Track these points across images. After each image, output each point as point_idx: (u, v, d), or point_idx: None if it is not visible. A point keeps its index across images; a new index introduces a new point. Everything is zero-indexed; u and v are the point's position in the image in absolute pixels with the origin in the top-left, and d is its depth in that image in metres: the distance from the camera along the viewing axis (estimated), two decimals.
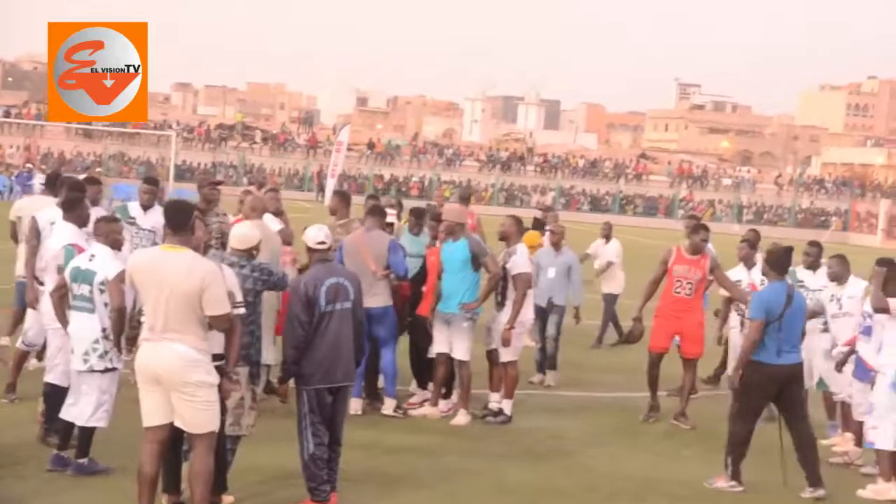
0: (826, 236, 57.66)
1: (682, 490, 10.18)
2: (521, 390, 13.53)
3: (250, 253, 8.88)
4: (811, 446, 10.34)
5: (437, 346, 12.11)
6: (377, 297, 11.67)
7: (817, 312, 11.94)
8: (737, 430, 10.34)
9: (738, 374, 10.34)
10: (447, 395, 12.42)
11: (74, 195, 10.48)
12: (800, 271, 12.80)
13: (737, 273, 13.78)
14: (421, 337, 12.53)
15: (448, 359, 12.06)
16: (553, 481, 10.26)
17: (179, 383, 7.58)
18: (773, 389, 10.31)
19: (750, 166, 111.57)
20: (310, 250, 9.08)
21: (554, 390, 14.41)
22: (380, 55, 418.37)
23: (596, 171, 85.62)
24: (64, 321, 9.25)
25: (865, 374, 11.06)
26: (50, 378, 9.78)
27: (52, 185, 12.32)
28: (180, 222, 7.81)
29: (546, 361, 14.81)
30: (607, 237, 18.82)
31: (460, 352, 11.98)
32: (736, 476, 10.27)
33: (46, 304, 10.04)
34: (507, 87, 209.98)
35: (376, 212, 12.32)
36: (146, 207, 12.81)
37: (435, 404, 12.27)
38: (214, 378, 7.75)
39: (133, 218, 12.67)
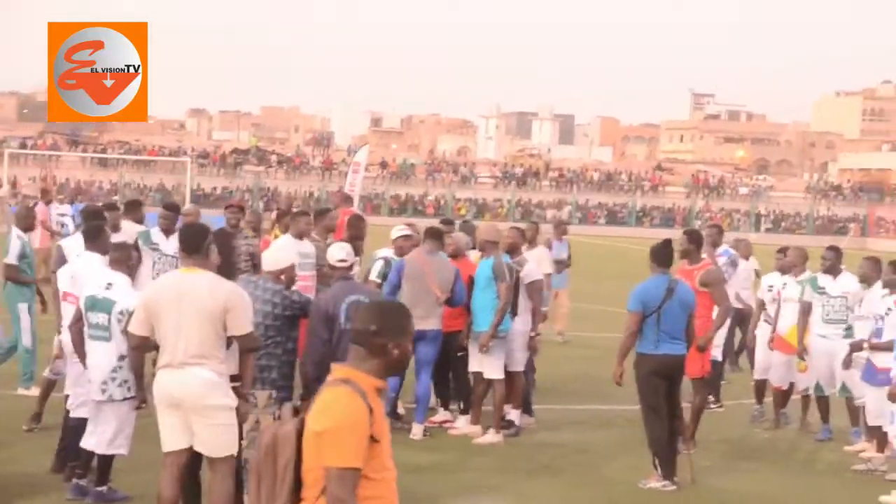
0: (844, 242, 57.39)
1: (704, 501, 10.11)
2: (541, 405, 13.50)
3: (277, 277, 8.88)
4: (677, 424, 10.51)
5: (472, 366, 12.04)
6: (432, 321, 11.68)
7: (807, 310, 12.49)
8: (651, 430, 10.36)
9: (617, 368, 10.42)
10: (466, 411, 12.36)
11: (96, 224, 10.53)
12: (820, 277, 12.75)
13: (771, 279, 14.13)
14: (444, 356, 12.38)
15: (483, 377, 11.98)
16: (575, 496, 10.21)
17: (200, 407, 7.56)
18: (657, 380, 10.33)
19: (766, 174, 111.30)
20: (331, 268, 9.47)
21: (576, 404, 14.33)
22: (392, 75, 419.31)
23: (612, 184, 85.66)
24: (82, 354, 9.23)
25: (873, 377, 11.06)
26: (79, 413, 9.73)
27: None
28: (194, 245, 7.80)
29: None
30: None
31: (491, 370, 11.92)
32: (668, 475, 10.25)
33: (65, 333, 10.09)
34: (520, 102, 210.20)
35: (434, 234, 12.19)
36: (167, 233, 12.88)
37: (475, 423, 12.15)
38: (233, 400, 7.72)
39: (156, 244, 12.78)
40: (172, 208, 13.69)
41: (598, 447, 11.94)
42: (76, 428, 9.65)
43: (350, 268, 9.63)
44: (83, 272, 9.80)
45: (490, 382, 11.95)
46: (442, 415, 12.62)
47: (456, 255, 12.29)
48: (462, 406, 12.43)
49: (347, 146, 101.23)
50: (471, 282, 11.98)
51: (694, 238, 12.14)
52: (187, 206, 25.58)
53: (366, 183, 72.36)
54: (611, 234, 61.23)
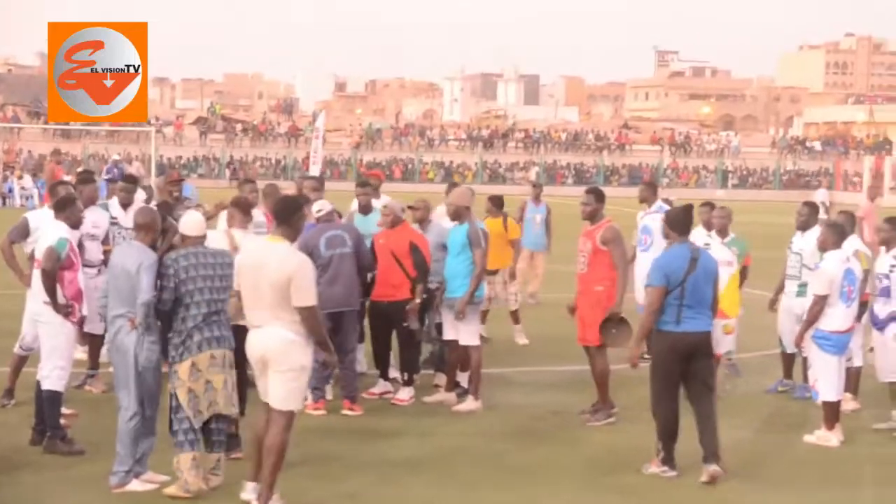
0: (821, 197, 57.70)
1: (684, 460, 10.13)
2: (516, 367, 13.52)
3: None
4: (708, 418, 9.61)
5: (447, 332, 11.96)
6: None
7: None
8: (658, 411, 9.68)
9: (637, 349, 9.85)
10: (409, 383, 12.11)
11: (67, 196, 10.51)
12: (796, 238, 12.73)
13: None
14: (376, 323, 12.28)
15: (458, 344, 11.88)
16: (553, 457, 10.24)
17: (279, 363, 8.13)
18: (678, 359, 9.53)
19: (732, 130, 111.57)
20: (316, 220, 11.54)
21: (550, 365, 14.34)
22: (355, 39, 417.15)
23: (578, 143, 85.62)
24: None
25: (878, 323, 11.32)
26: (48, 385, 9.77)
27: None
28: (282, 216, 8.39)
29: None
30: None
31: (467, 336, 11.84)
32: (668, 461, 9.65)
33: (31, 301, 10.16)
34: (485, 64, 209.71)
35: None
36: (125, 206, 12.65)
37: (450, 390, 12.08)
38: (308, 360, 8.24)
39: (115, 217, 12.52)
40: (130, 180, 13.47)
41: (574, 409, 11.94)
42: (50, 399, 9.67)
43: (329, 216, 11.75)
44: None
45: (465, 349, 11.89)
46: (381, 386, 12.33)
47: (394, 224, 12.12)
48: (406, 377, 12.13)
49: (312, 112, 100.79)
50: (411, 249, 11.89)
51: (600, 197, 11.55)
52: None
53: (332, 148, 72.37)
54: (579, 195, 61.12)
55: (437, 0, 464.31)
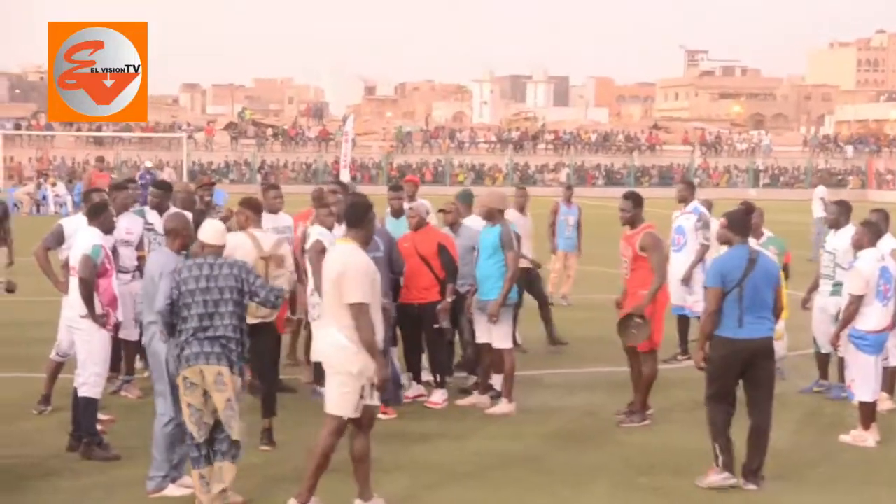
0: (845, 194, 57.33)
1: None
2: (549, 370, 13.50)
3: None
4: (764, 434, 9.41)
5: (479, 335, 11.91)
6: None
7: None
8: (713, 416, 9.41)
9: (700, 352, 9.49)
10: (441, 385, 12.12)
11: (100, 202, 10.59)
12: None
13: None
14: (407, 326, 12.24)
15: (491, 347, 11.84)
16: (589, 458, 10.22)
17: (331, 366, 8.28)
18: (737, 366, 9.31)
19: (763, 129, 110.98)
20: None
21: (584, 367, 14.31)
22: (385, 42, 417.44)
23: (609, 144, 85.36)
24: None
25: None
26: (84, 392, 9.83)
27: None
28: (353, 219, 8.51)
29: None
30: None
31: (499, 339, 11.81)
32: (728, 467, 9.31)
33: (67, 308, 10.22)
34: (514, 66, 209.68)
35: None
36: (159, 211, 12.69)
37: (484, 392, 12.06)
38: (355, 367, 8.16)
39: (151, 224, 12.57)
40: (162, 186, 13.52)
41: (608, 410, 11.92)
42: (86, 406, 9.74)
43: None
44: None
45: (499, 352, 11.85)
46: (415, 389, 12.32)
47: (419, 226, 12.17)
48: (438, 379, 12.15)
49: (342, 115, 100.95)
50: (439, 250, 11.91)
51: (638, 201, 11.48)
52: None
53: (363, 151, 72.47)
54: (610, 196, 60.92)
55: (465, 2, 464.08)
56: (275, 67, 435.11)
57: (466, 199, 13.62)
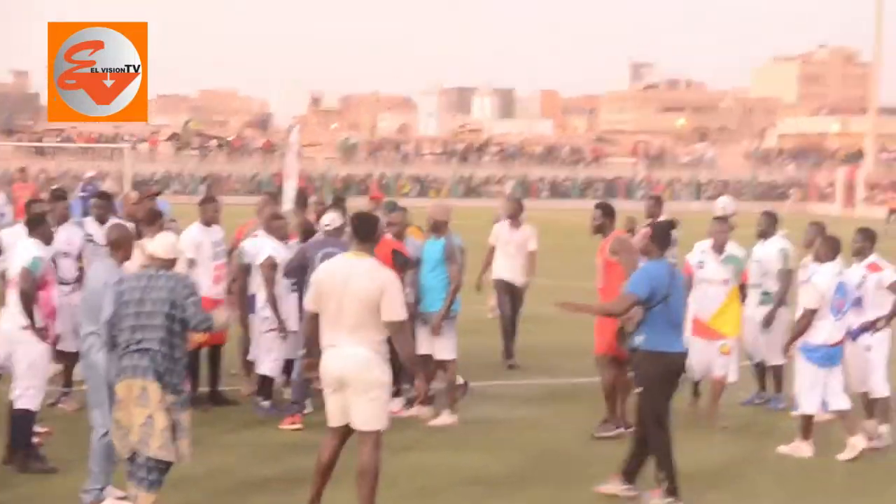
0: (786, 207, 58.13)
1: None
2: (489, 381, 13.56)
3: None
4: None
5: (421, 347, 11.77)
6: None
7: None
8: (656, 443, 9.15)
9: (583, 310, 9.96)
10: (397, 394, 12.01)
11: (39, 213, 10.49)
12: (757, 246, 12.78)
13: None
14: None
15: (432, 358, 11.83)
16: (530, 470, 10.27)
17: (359, 382, 8.07)
18: (669, 385, 9.21)
19: (707, 142, 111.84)
20: (325, 233, 11.65)
21: (522, 379, 14.36)
22: (330, 54, 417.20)
23: (554, 157, 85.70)
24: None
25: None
26: (22, 404, 9.72)
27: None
28: (364, 233, 8.40)
29: None
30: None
31: (443, 351, 11.84)
32: (672, 491, 9.08)
33: (4, 320, 10.06)
34: (459, 78, 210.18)
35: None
36: (102, 222, 12.58)
37: (423, 403, 11.98)
38: (388, 377, 8.23)
39: (91, 235, 12.45)
40: (104, 197, 13.42)
41: (548, 421, 11.98)
42: (23, 418, 9.64)
43: (338, 231, 11.55)
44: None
45: (440, 363, 11.88)
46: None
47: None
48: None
49: (287, 127, 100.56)
50: (393, 256, 11.77)
51: (608, 211, 11.61)
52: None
53: (307, 163, 72.17)
54: (554, 207, 61.26)
55: (411, 14, 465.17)
56: (221, 79, 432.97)
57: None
